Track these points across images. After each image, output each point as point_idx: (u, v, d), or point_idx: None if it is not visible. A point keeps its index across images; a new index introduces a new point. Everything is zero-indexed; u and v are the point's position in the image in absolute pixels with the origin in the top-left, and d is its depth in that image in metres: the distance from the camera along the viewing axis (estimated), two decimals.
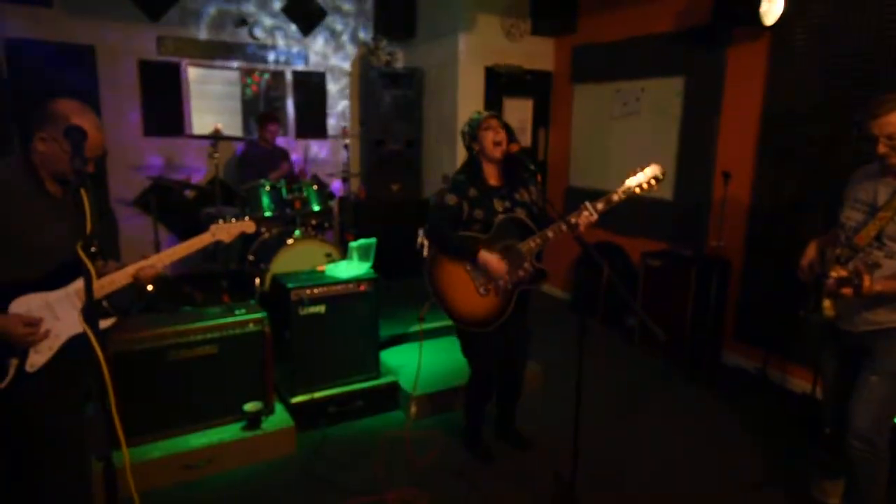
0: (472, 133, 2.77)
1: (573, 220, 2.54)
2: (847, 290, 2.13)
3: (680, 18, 4.52)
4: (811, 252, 2.54)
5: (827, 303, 2.31)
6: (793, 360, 3.93)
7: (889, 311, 2.26)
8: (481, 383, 2.97)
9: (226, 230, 2.28)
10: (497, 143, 2.72)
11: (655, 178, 2.58)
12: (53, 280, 1.89)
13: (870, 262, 2.15)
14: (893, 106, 2.17)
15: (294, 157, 5.62)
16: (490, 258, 2.63)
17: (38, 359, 1.86)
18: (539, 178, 2.77)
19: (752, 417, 3.58)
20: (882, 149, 2.21)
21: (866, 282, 2.06)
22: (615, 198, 2.57)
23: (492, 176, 2.81)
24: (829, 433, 2.76)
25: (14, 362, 1.83)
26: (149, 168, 5.27)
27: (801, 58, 3.77)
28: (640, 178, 2.57)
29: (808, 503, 2.79)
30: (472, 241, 2.69)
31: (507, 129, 2.78)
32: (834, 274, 2.19)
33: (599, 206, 2.56)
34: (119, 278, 2.02)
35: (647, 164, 2.60)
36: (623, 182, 2.61)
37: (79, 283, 1.92)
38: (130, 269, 2.04)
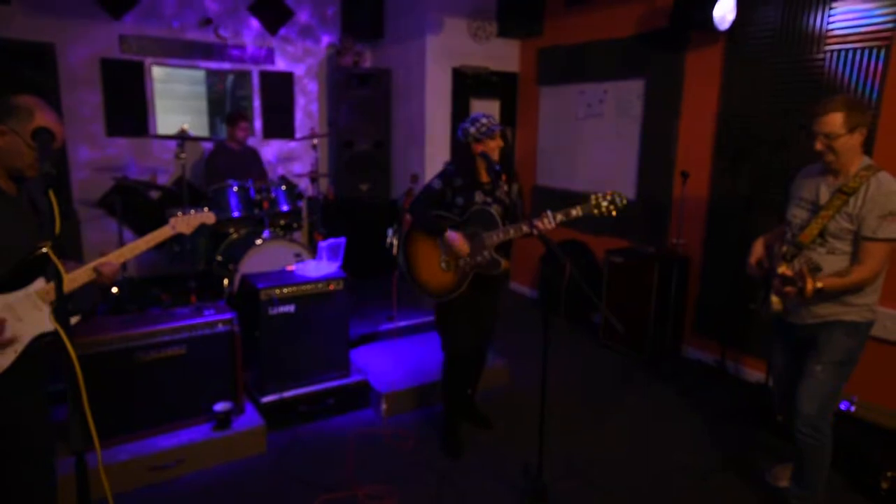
0: (479, 136, 2.89)
1: (532, 223, 2.72)
2: (790, 290, 2.26)
3: (640, 23, 4.66)
4: (758, 249, 2.67)
5: (774, 298, 2.44)
6: (747, 352, 4.11)
7: (831, 305, 2.40)
8: (454, 362, 3.13)
9: (185, 222, 2.27)
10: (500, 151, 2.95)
11: (616, 208, 2.74)
12: (11, 281, 1.86)
13: (812, 266, 2.27)
14: (833, 106, 2.30)
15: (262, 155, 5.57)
16: (455, 237, 2.88)
17: (2, 361, 1.84)
18: (504, 177, 2.87)
19: (711, 407, 3.72)
20: (819, 146, 2.35)
21: (808, 285, 2.18)
22: (573, 213, 2.74)
23: (482, 173, 2.99)
24: (781, 420, 2.91)
25: None
26: (112, 169, 5.17)
27: (754, 62, 3.93)
28: (603, 204, 2.74)
29: (763, 487, 2.92)
30: (445, 221, 2.95)
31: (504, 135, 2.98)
32: (780, 271, 2.32)
33: (559, 216, 2.72)
34: (79, 276, 1.99)
35: (614, 191, 2.76)
36: (588, 194, 2.78)
37: (38, 284, 1.90)
38: (90, 266, 2.01)
